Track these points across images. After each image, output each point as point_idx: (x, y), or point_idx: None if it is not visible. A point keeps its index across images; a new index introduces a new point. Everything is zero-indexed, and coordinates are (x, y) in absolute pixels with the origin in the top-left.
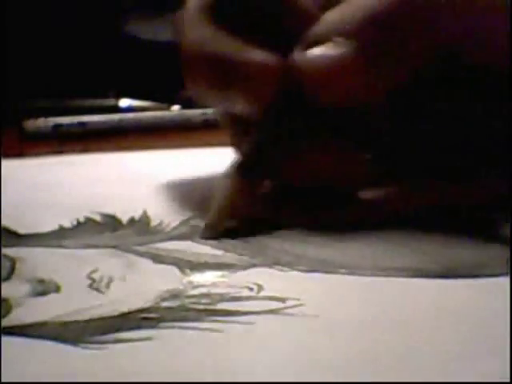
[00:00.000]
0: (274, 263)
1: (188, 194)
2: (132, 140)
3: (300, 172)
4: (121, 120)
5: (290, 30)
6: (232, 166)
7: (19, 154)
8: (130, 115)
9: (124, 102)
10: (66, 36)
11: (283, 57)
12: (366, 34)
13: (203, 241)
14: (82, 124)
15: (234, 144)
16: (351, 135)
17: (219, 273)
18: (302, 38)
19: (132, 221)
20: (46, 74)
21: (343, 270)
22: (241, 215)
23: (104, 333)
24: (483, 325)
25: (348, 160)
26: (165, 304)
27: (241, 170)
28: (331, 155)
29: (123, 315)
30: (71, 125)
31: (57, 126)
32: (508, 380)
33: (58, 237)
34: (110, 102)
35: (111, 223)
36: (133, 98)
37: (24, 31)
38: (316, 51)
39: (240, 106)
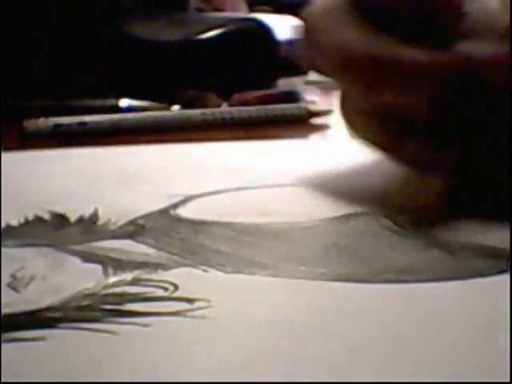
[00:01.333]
0: (201, 263)
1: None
2: (132, 140)
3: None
4: (121, 120)
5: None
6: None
7: None
8: (130, 115)
9: (124, 102)
10: (66, 36)
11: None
12: None
13: (141, 239)
14: (82, 124)
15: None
16: None
17: (141, 272)
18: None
19: (80, 219)
20: (46, 74)
21: (266, 272)
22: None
23: (4, 331)
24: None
25: None
26: (74, 303)
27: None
28: None
29: (29, 314)
30: (71, 125)
31: (57, 126)
32: (508, 380)
33: (3, 236)
34: (110, 102)
35: (58, 222)
36: (133, 98)
37: (24, 31)
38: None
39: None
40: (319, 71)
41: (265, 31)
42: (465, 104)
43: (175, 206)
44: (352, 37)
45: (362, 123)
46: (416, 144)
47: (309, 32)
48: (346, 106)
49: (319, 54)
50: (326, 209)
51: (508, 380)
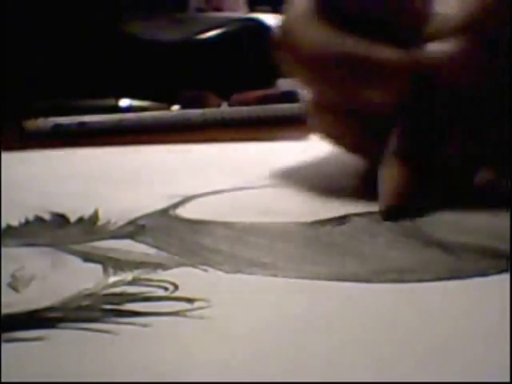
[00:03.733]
0: (201, 263)
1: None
2: (132, 140)
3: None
4: (121, 120)
5: (403, 28)
6: (391, 154)
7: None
8: (130, 115)
9: (124, 102)
10: (66, 36)
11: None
12: (477, 27)
13: (141, 239)
14: (82, 124)
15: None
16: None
17: (141, 272)
18: (421, 34)
19: (80, 220)
20: (46, 74)
21: (266, 272)
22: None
23: (3, 331)
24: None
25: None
26: (74, 303)
27: (405, 155)
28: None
29: (28, 313)
30: (71, 125)
31: (57, 126)
32: (508, 380)
33: (3, 235)
34: (110, 102)
35: (59, 222)
36: (133, 98)
37: (24, 31)
38: (446, 46)
39: (376, 100)
40: (292, 74)
41: (265, 31)
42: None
43: (175, 206)
44: (323, 37)
45: (330, 122)
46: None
47: (283, 37)
48: (313, 108)
49: (292, 56)
50: (327, 208)
51: (508, 380)
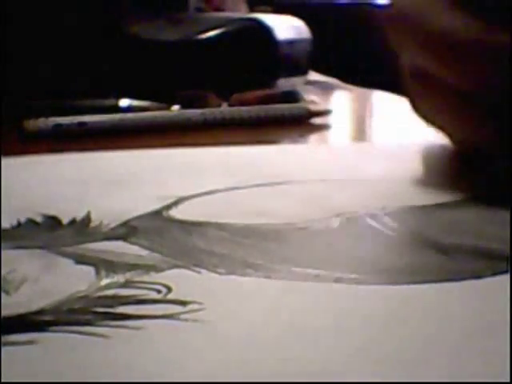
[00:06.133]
0: (194, 265)
1: None
2: (132, 140)
3: None
4: (121, 120)
5: None
6: None
7: (19, 153)
8: (130, 115)
9: (124, 102)
10: (66, 36)
11: None
12: None
13: (134, 241)
14: (82, 124)
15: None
16: None
17: (134, 274)
18: None
19: (72, 222)
20: (46, 74)
21: (260, 273)
22: None
23: None
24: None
25: None
26: (66, 306)
27: None
28: None
29: (19, 317)
30: (71, 125)
31: (57, 126)
32: (508, 380)
33: None
34: (110, 102)
35: (50, 224)
36: (133, 98)
37: (24, 31)
38: None
39: None
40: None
41: (265, 31)
42: None
43: (168, 207)
44: (457, 22)
45: (446, 107)
46: None
47: (401, 16)
48: (425, 94)
49: (416, 37)
50: (321, 209)
51: (508, 380)
